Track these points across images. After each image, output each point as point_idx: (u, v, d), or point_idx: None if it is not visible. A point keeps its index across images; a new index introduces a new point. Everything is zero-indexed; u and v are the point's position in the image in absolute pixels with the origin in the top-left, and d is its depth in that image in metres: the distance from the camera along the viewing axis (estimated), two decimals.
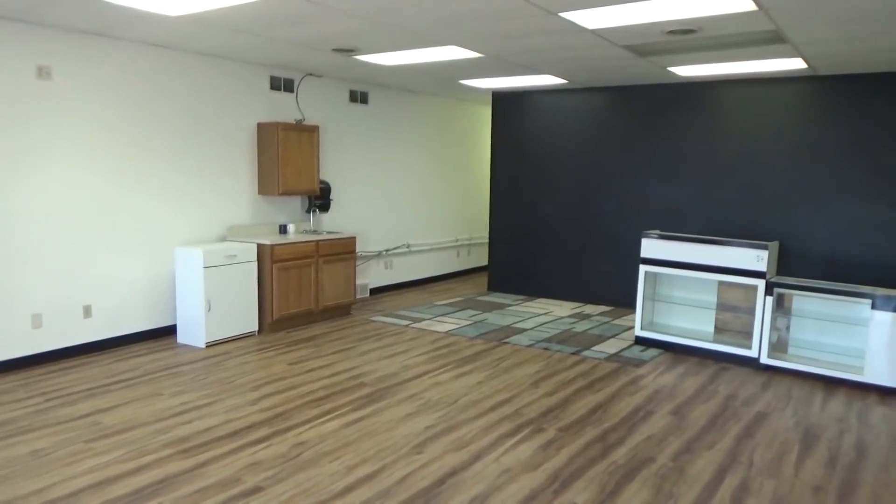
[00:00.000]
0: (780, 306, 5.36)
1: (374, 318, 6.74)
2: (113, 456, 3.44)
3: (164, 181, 5.67)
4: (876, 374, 4.78)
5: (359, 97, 7.58)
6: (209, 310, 5.55)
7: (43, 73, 4.80)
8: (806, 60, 5.40)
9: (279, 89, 6.61)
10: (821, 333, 5.32)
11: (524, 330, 6.38)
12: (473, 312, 7.12)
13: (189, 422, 3.92)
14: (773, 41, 4.71)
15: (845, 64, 5.56)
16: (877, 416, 4.31)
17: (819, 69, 5.85)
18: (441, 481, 3.22)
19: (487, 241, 8.65)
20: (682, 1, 3.71)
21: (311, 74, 6.91)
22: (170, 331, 5.84)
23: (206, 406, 4.19)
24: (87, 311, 5.23)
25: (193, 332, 5.60)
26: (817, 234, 6.27)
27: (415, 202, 8.64)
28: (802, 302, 5.33)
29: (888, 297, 4.73)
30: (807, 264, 6.33)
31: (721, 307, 5.72)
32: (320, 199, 6.97)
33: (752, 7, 3.81)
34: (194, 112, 5.86)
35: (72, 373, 4.80)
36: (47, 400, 4.24)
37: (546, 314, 7.11)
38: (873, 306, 4.78)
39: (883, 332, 4.74)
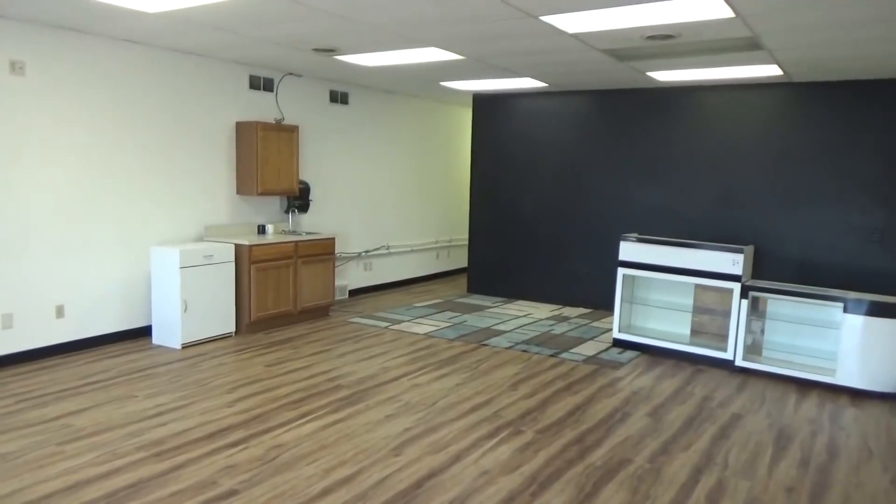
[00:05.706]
0: (755, 309, 5.44)
1: (352, 320, 6.71)
2: (85, 459, 3.38)
3: (140, 179, 5.60)
4: (847, 376, 4.87)
5: (339, 98, 7.55)
6: (185, 310, 5.49)
7: (16, 68, 4.71)
8: (781, 67, 5.49)
9: (258, 88, 6.55)
10: (794, 336, 5.40)
11: (503, 332, 6.39)
12: (453, 314, 7.12)
13: (164, 424, 3.87)
14: (749, 48, 4.78)
15: (819, 71, 5.66)
16: (848, 417, 4.38)
17: (794, 76, 5.95)
18: (419, 484, 3.21)
19: (467, 242, 8.65)
20: (661, 7, 3.75)
21: (291, 74, 6.86)
22: (145, 332, 5.76)
23: (182, 408, 4.13)
24: (60, 311, 5.14)
25: (169, 333, 5.52)
26: (791, 238, 6.37)
27: (395, 203, 8.63)
28: (777, 305, 5.41)
29: (859, 301, 4.81)
30: (781, 268, 6.43)
31: (697, 310, 5.79)
32: (299, 200, 6.92)
33: (730, 14, 3.86)
34: (172, 110, 5.78)
35: (43, 374, 4.71)
36: (17, 402, 4.15)
37: (525, 316, 7.13)
38: (845, 309, 4.86)
39: (854, 334, 4.83)
